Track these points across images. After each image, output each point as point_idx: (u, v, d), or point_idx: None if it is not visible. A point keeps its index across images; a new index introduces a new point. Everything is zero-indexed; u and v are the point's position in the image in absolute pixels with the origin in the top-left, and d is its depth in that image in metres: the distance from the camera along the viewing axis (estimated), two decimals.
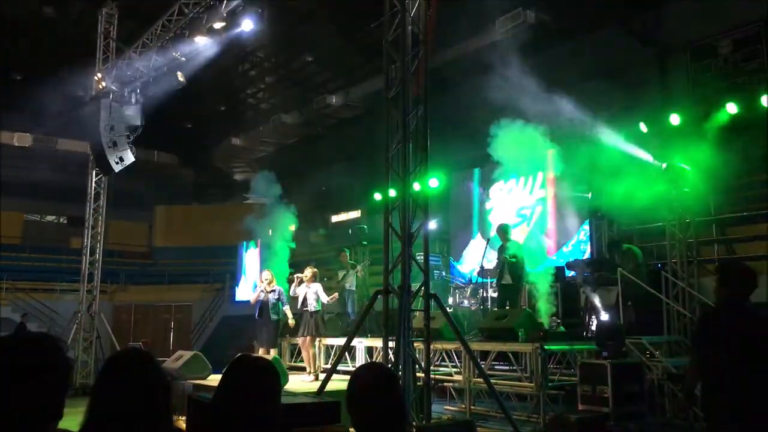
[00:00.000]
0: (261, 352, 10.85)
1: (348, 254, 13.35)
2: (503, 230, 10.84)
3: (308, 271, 11.14)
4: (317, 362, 11.10)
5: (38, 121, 20.91)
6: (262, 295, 11.00)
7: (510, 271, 10.39)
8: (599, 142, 11.08)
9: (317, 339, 11.09)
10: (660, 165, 10.25)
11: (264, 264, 15.96)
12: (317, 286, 10.95)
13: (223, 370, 2.33)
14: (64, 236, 25.84)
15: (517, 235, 11.94)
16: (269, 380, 2.26)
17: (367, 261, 12.63)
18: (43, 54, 19.61)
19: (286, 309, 11.04)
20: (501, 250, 10.65)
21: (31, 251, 24.08)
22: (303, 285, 11.01)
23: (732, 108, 10.83)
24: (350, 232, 18.35)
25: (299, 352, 11.82)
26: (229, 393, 2.22)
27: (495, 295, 11.18)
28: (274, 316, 10.91)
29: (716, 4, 13.31)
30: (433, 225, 12.31)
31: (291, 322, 11.00)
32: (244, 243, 22.54)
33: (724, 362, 3.72)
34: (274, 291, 11.06)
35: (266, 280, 11.16)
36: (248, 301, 11.64)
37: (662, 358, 8.59)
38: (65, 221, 27.17)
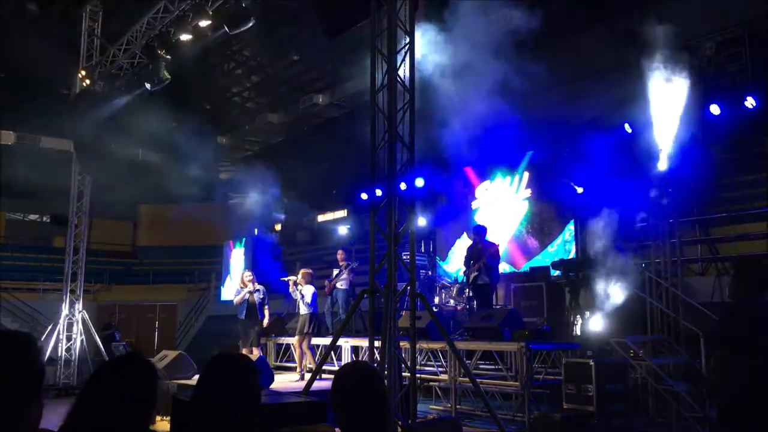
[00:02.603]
0: (245, 352, 10.83)
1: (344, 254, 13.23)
2: (479, 231, 10.94)
3: (300, 273, 11.18)
4: (304, 361, 11.10)
5: (21, 119, 20.69)
6: (247, 296, 10.99)
7: (486, 272, 10.50)
8: (585, 143, 11.16)
9: (308, 338, 11.10)
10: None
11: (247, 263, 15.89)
12: (309, 288, 10.95)
13: (203, 369, 2.31)
14: (47, 235, 25.58)
15: (501, 235, 12.01)
16: (247, 374, 2.25)
17: (354, 264, 12.55)
18: (26, 51, 19.41)
19: (266, 309, 11.07)
20: (479, 251, 10.71)
21: (14, 250, 23.83)
22: (299, 288, 11.04)
23: (715, 109, 10.94)
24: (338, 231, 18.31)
25: (285, 352, 11.82)
26: (208, 390, 2.21)
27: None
28: (261, 316, 10.95)
29: (700, 6, 13.42)
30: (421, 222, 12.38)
31: (266, 323, 11.04)
32: (230, 242, 22.48)
33: (755, 360, 3.51)
34: (258, 291, 11.06)
35: (248, 279, 11.14)
36: (233, 301, 11.62)
37: (646, 357, 8.65)
38: (48, 220, 26.89)
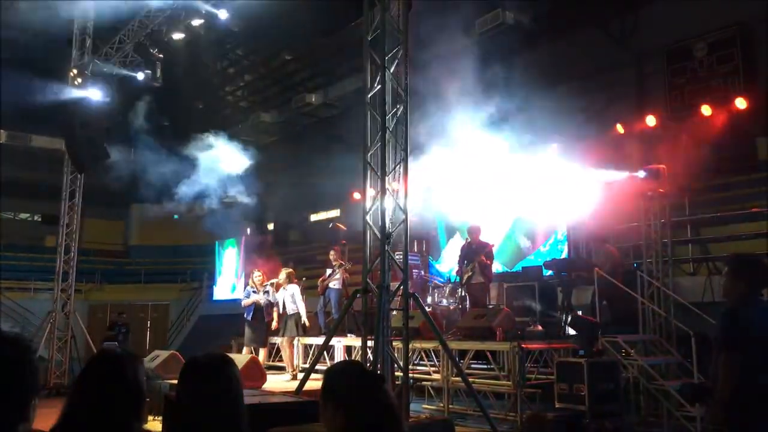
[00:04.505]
0: (245, 352, 10.83)
1: (340, 253, 13.13)
2: (474, 231, 10.95)
3: (282, 275, 11.11)
4: (295, 361, 11.09)
5: (12, 118, 20.57)
6: (255, 297, 10.97)
7: (480, 271, 10.52)
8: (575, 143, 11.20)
9: (296, 339, 11.08)
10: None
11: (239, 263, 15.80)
12: (294, 288, 10.92)
13: (181, 370, 2.29)
14: (38, 234, 25.45)
15: (494, 235, 12.01)
16: (225, 374, 2.23)
17: (347, 264, 12.48)
18: (17, 49, 19.33)
19: (274, 310, 11.02)
20: (474, 251, 10.73)
21: (5, 249, 23.66)
22: (281, 289, 11.00)
23: (707, 110, 10.99)
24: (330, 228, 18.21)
25: (277, 352, 11.80)
26: (187, 391, 2.20)
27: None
28: (267, 317, 10.92)
29: (692, 8, 13.49)
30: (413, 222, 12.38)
31: (275, 325, 10.98)
32: (222, 242, 22.43)
33: (758, 362, 3.37)
34: (267, 292, 11.04)
35: (258, 281, 11.10)
36: (226, 301, 11.60)
37: (638, 357, 8.69)
38: (39, 219, 26.76)
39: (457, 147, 10.25)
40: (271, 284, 11.14)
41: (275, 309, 11.05)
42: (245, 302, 11.08)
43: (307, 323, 11.06)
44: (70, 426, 2.02)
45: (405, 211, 7.57)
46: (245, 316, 11.05)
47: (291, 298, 10.81)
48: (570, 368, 7.82)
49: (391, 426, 2.11)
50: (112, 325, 17.20)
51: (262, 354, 11.05)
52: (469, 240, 11.02)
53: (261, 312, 10.93)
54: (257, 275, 11.26)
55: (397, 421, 2.13)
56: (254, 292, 11.02)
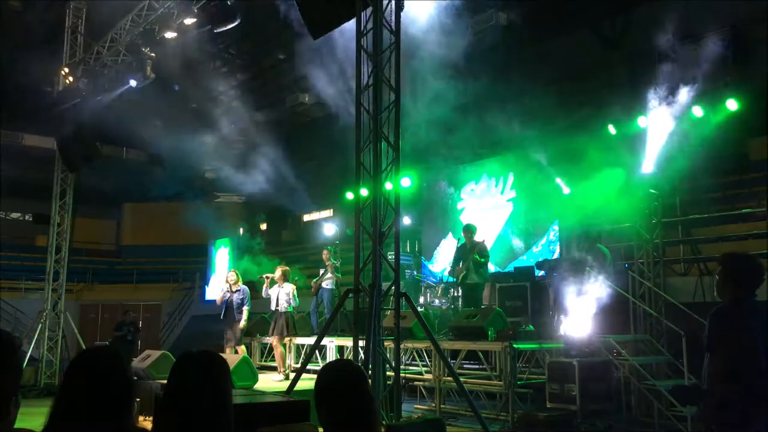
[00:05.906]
0: (228, 351, 10.78)
1: (331, 252, 13.10)
2: (469, 230, 10.96)
3: (278, 272, 11.08)
4: (287, 361, 11.07)
5: (3, 116, 20.47)
6: (228, 296, 10.90)
7: (475, 271, 10.53)
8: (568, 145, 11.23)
9: (288, 338, 11.06)
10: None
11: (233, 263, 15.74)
12: (290, 287, 10.89)
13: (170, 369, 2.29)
14: (29, 234, 25.33)
15: (486, 235, 12.05)
16: (212, 372, 2.23)
17: (338, 262, 12.46)
18: (8, 47, 19.23)
19: (245, 309, 10.86)
20: (468, 250, 10.74)
21: None
22: (275, 285, 10.96)
23: (698, 111, 11.03)
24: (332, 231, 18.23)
25: (269, 351, 11.77)
26: (174, 389, 2.20)
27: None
28: (238, 316, 10.80)
29: (684, 9, 13.54)
30: (406, 221, 12.39)
31: (242, 324, 10.84)
32: (214, 242, 22.39)
33: (751, 363, 3.34)
34: (239, 291, 10.96)
35: (231, 280, 11.05)
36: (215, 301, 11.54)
37: (629, 357, 8.71)
38: (31, 219, 26.62)
39: None
40: (267, 279, 11.10)
41: (245, 309, 10.93)
42: (218, 300, 11.06)
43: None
44: (60, 424, 2.01)
45: (397, 211, 7.57)
46: (221, 316, 11.01)
47: (286, 296, 10.78)
48: (561, 368, 7.85)
49: (365, 419, 2.26)
50: (119, 325, 16.85)
51: (241, 352, 10.97)
52: (463, 240, 11.01)
53: (231, 311, 10.86)
54: (230, 275, 11.22)
55: (370, 414, 2.28)
56: (227, 292, 10.97)
